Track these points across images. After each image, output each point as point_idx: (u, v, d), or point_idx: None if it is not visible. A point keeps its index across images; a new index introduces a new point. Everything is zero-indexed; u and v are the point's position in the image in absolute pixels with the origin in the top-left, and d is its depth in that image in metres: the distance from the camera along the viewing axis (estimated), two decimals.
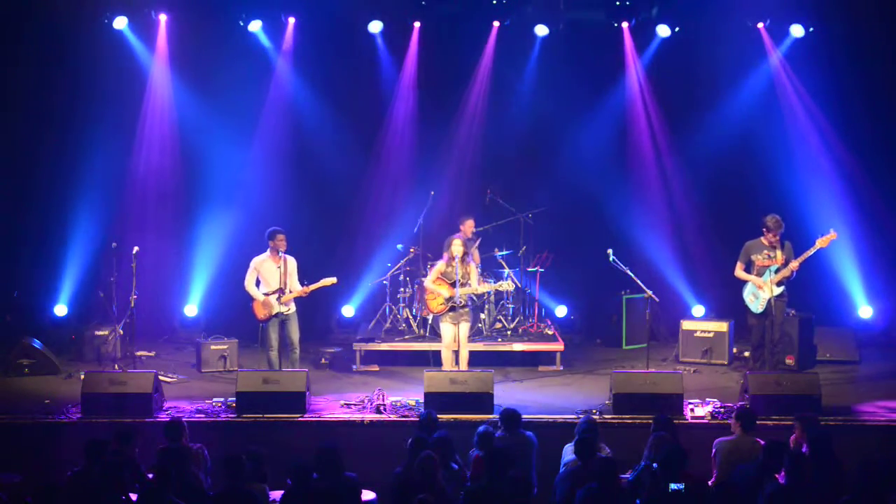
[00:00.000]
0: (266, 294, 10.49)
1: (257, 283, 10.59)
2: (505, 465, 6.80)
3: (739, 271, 10.82)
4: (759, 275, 10.67)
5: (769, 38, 13.24)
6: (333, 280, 10.68)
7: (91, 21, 12.80)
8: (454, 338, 10.53)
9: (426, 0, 13.34)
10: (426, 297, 10.80)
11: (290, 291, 10.49)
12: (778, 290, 10.58)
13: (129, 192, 13.36)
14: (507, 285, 11.18)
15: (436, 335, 11.21)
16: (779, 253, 10.61)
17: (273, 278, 10.44)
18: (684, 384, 9.78)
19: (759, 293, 10.65)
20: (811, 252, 10.49)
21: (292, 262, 10.61)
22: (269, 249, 10.53)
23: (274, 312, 10.44)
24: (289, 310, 10.58)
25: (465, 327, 10.59)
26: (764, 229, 10.65)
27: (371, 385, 10.62)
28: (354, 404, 9.95)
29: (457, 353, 10.58)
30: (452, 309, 10.48)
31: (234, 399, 9.69)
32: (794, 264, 10.48)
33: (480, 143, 13.84)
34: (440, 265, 10.65)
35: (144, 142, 13.41)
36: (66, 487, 7.01)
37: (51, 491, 6.46)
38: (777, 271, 10.56)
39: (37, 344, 11.58)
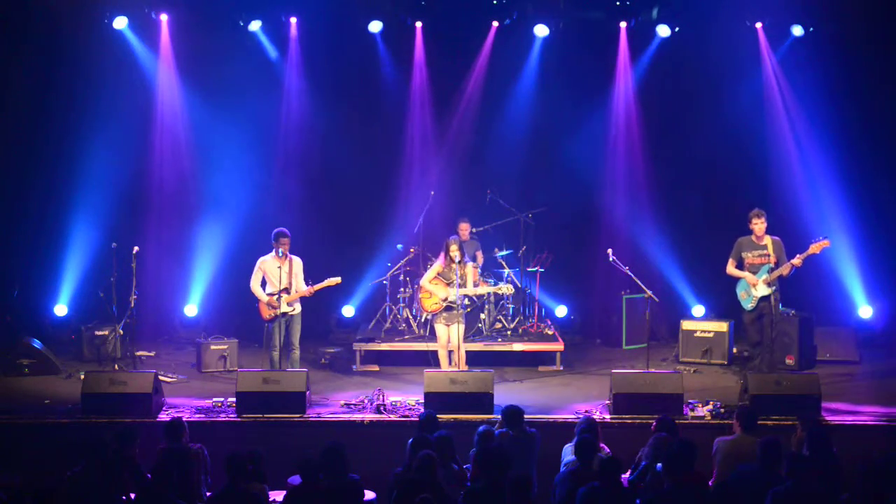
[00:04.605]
0: (271, 294, 10.48)
1: (263, 284, 10.59)
2: (499, 464, 6.79)
3: (731, 268, 10.84)
4: (752, 272, 10.67)
5: (767, 38, 13.24)
6: (338, 280, 10.68)
7: (91, 21, 12.80)
8: (449, 338, 10.52)
9: (426, 0, 13.34)
10: (421, 295, 10.79)
11: (296, 291, 10.49)
12: (769, 290, 10.57)
13: (130, 191, 13.35)
14: (506, 289, 11.14)
15: (435, 335, 11.20)
16: (771, 250, 10.60)
17: (277, 279, 10.43)
18: (684, 384, 9.78)
19: (752, 290, 10.65)
20: (805, 255, 10.47)
21: (298, 263, 10.60)
22: (273, 250, 10.53)
23: (278, 313, 10.43)
24: (293, 310, 10.57)
25: (459, 328, 10.55)
26: (750, 224, 10.66)
27: (371, 385, 10.63)
28: (354, 404, 9.96)
29: (453, 353, 10.57)
30: (447, 309, 10.47)
31: (234, 399, 9.69)
32: (797, 261, 10.46)
33: (480, 142, 13.85)
34: (437, 265, 10.65)
35: (145, 142, 13.41)
36: (66, 487, 7.01)
37: (51, 491, 6.46)
38: (770, 271, 10.56)
39: (37, 344, 11.58)
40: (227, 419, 9.56)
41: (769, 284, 10.58)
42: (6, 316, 12.77)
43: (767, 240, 10.70)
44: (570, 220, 13.82)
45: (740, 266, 10.80)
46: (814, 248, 10.42)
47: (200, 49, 13.14)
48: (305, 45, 13.51)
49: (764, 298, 10.61)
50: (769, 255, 10.64)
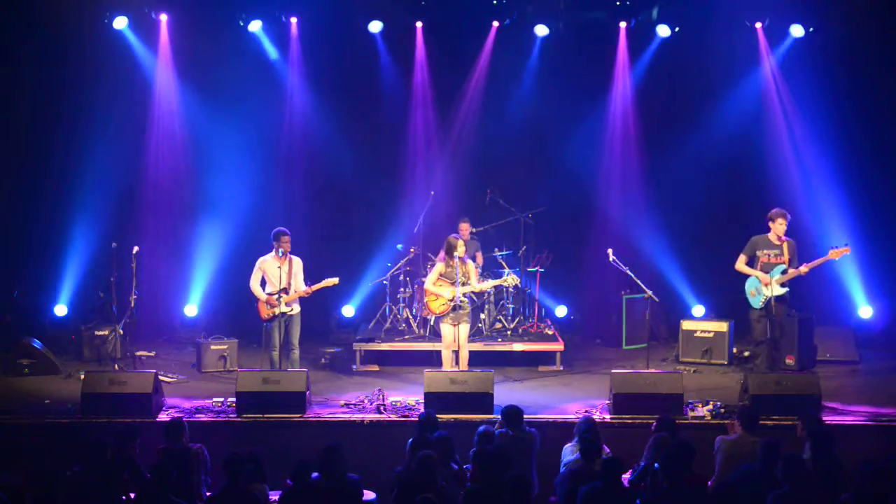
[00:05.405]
0: (270, 294, 10.48)
1: (263, 284, 10.59)
2: (499, 464, 6.79)
3: (741, 265, 10.75)
4: (765, 271, 10.61)
5: (767, 38, 13.25)
6: (335, 280, 10.67)
7: (91, 21, 12.80)
8: (454, 338, 10.53)
9: (426, 0, 13.35)
10: (427, 298, 10.80)
11: (294, 291, 10.48)
12: (782, 290, 10.55)
13: (129, 191, 13.37)
14: (510, 280, 11.19)
15: (436, 335, 11.21)
16: (785, 251, 10.56)
17: (277, 278, 10.43)
18: (684, 384, 9.77)
19: (763, 289, 10.59)
20: (822, 261, 10.47)
21: (298, 263, 10.60)
22: (273, 250, 10.53)
23: (277, 312, 10.43)
24: (292, 310, 10.56)
25: (465, 328, 10.58)
26: (770, 223, 10.58)
27: (371, 385, 10.62)
28: (354, 404, 9.96)
29: (456, 353, 10.58)
30: (454, 309, 10.47)
31: (234, 399, 9.69)
32: (804, 269, 10.45)
33: (480, 143, 13.86)
34: (439, 266, 10.65)
35: (145, 142, 13.41)
36: (66, 487, 7.02)
37: (51, 491, 6.46)
38: (784, 272, 10.53)
39: (37, 344, 11.57)
40: (227, 419, 9.55)
41: (782, 285, 10.54)
42: (6, 316, 12.77)
43: (783, 241, 10.66)
44: (570, 220, 13.83)
45: (751, 263, 10.74)
46: (833, 255, 10.39)
47: (200, 49, 13.13)
48: (306, 45, 13.51)
49: (777, 298, 10.54)
50: (784, 256, 10.59)
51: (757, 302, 10.68)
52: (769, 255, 10.64)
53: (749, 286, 10.74)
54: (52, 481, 7.18)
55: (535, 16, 13.37)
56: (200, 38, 13.09)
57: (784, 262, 10.57)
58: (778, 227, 10.57)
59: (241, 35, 13.25)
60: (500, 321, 12.59)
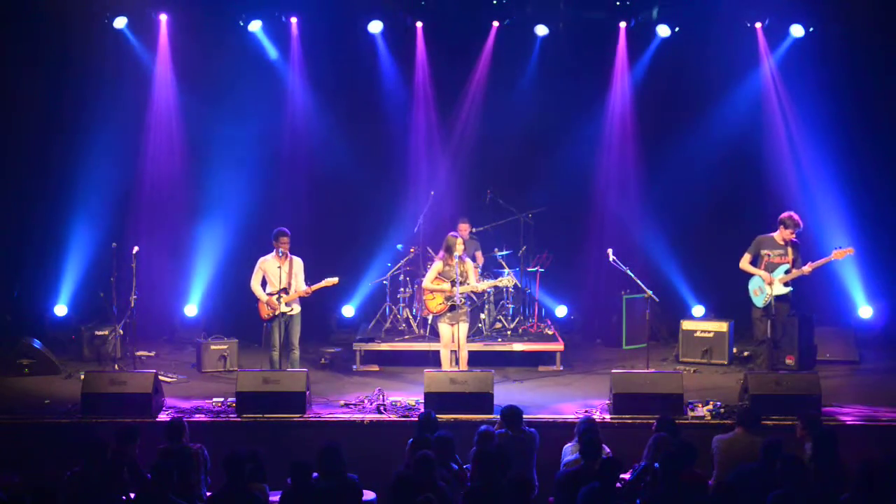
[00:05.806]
0: (270, 294, 10.48)
1: (263, 284, 10.59)
2: (499, 465, 6.79)
3: (745, 263, 10.71)
4: (769, 270, 10.60)
5: (767, 38, 13.26)
6: (335, 280, 10.68)
7: (91, 21, 12.80)
8: (452, 338, 10.53)
9: (426, 0, 13.35)
10: (425, 297, 10.81)
11: (294, 291, 10.48)
12: (786, 290, 10.53)
13: (129, 192, 13.36)
14: (507, 280, 11.21)
15: (436, 335, 11.21)
16: (789, 251, 10.54)
17: (277, 278, 10.43)
18: (684, 384, 9.77)
19: (766, 288, 10.58)
20: (825, 261, 10.45)
21: (298, 263, 10.60)
22: (274, 250, 10.53)
23: (277, 312, 10.43)
24: (291, 310, 10.57)
25: (463, 327, 10.58)
26: (781, 226, 10.56)
27: (371, 385, 10.63)
28: (354, 404, 9.96)
29: (456, 353, 10.58)
30: (452, 308, 10.47)
31: (234, 399, 9.69)
32: (808, 269, 10.44)
33: (480, 142, 13.85)
34: (438, 265, 10.65)
35: (145, 142, 13.41)
36: (66, 487, 7.02)
37: (51, 491, 6.46)
38: (787, 272, 10.52)
39: (37, 344, 11.58)
40: (227, 419, 9.55)
41: (786, 284, 10.53)
42: (6, 316, 12.78)
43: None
44: (570, 220, 13.83)
45: (755, 262, 10.72)
46: (837, 255, 10.37)
47: (200, 49, 13.13)
48: (306, 45, 13.51)
49: (779, 298, 10.53)
50: (788, 256, 10.58)
51: (760, 301, 10.66)
52: (772, 255, 10.63)
53: (752, 285, 10.72)
54: (52, 481, 7.18)
55: (535, 16, 13.38)
56: (200, 38, 13.10)
57: (788, 262, 10.56)
58: (788, 234, 10.54)
59: (241, 35, 13.25)
60: (500, 321, 12.59)
